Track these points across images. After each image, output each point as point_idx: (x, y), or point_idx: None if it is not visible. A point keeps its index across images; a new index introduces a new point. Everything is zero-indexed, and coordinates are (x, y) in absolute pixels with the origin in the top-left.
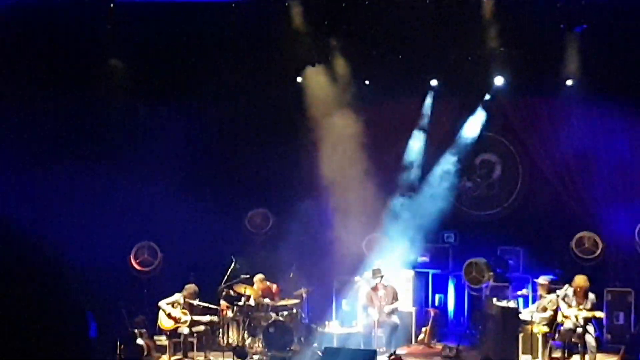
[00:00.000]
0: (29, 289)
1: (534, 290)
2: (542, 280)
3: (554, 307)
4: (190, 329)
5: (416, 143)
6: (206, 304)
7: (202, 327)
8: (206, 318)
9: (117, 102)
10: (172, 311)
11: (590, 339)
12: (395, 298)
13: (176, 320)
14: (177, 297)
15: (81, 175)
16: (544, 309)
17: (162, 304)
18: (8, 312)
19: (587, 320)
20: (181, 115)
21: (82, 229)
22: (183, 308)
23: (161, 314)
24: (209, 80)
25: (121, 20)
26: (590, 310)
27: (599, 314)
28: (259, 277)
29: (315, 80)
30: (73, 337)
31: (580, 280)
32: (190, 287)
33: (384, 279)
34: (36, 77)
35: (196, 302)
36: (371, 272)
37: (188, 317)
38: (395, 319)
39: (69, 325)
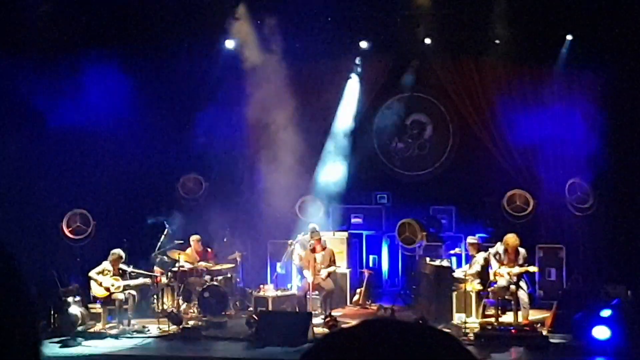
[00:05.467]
0: None
1: (466, 249)
2: (471, 239)
3: (483, 262)
4: (124, 295)
5: (347, 105)
6: (140, 271)
7: (135, 292)
8: (139, 281)
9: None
10: (103, 280)
11: (523, 296)
12: (332, 262)
13: (108, 289)
14: (105, 264)
15: (8, 140)
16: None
17: (92, 273)
18: None
19: (519, 277)
20: (109, 76)
21: (10, 199)
22: (114, 275)
23: (93, 283)
24: (139, 41)
25: None
26: (522, 266)
27: (532, 268)
28: (195, 237)
29: (244, 40)
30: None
31: (511, 239)
32: (115, 252)
33: (321, 241)
34: None
35: (130, 268)
36: (309, 233)
37: (120, 283)
38: (330, 283)
39: None
